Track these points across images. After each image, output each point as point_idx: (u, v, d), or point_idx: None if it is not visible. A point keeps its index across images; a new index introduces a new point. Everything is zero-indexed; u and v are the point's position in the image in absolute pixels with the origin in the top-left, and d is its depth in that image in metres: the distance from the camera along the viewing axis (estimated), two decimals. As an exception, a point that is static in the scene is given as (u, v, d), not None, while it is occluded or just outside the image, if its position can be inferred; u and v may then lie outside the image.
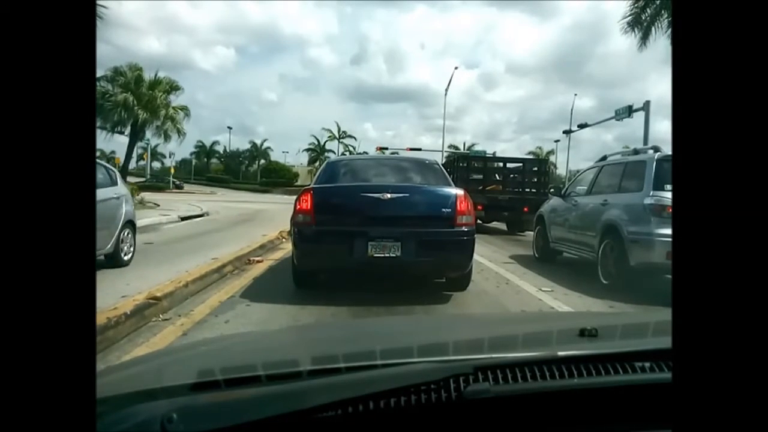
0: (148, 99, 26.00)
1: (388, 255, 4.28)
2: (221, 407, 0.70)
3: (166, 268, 5.23)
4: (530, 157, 35.57)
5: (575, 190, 7.23)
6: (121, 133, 27.03)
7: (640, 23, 17.11)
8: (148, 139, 32.14)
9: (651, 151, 5.76)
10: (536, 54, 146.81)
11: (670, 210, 4.69)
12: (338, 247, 4.40)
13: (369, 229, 4.33)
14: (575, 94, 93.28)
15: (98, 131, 22.36)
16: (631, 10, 17.16)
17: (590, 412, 0.74)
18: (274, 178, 49.32)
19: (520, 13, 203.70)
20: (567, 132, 31.84)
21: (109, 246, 5.42)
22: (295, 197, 4.80)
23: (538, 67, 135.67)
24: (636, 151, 6.33)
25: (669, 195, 4.94)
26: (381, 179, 5.01)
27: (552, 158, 42.15)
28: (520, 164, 14.63)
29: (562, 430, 0.74)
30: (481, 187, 12.75)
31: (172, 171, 44.12)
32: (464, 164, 14.66)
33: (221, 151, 62.74)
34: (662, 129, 34.11)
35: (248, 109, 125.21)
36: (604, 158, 7.01)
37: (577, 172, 12.97)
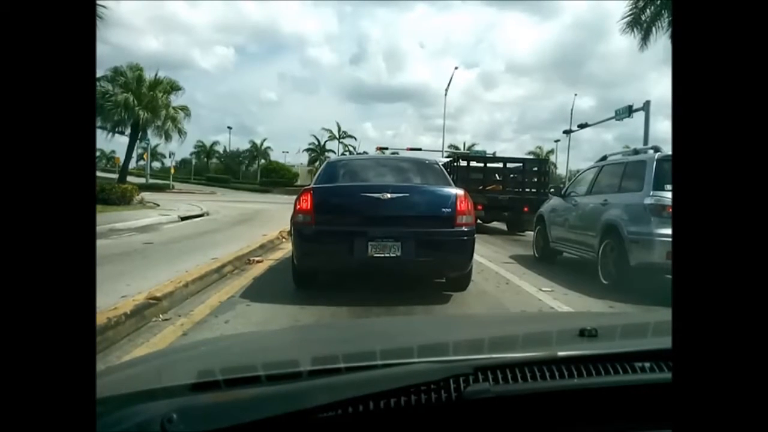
0: (149, 99, 26.03)
1: (388, 255, 4.28)
2: (221, 407, 0.70)
3: (166, 268, 5.22)
4: (530, 157, 35.57)
5: (575, 190, 7.23)
6: (122, 133, 27.07)
7: (640, 23, 17.12)
8: (148, 139, 32.15)
9: (651, 151, 5.76)
10: (536, 53, 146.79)
11: (670, 210, 4.69)
12: (338, 247, 4.40)
13: (369, 229, 4.33)
14: (575, 94, 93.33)
15: (98, 131, 22.36)
16: (631, 10, 17.17)
17: (590, 412, 0.74)
18: (274, 178, 49.18)
19: (520, 13, 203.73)
20: (567, 132, 31.86)
21: None
22: (295, 197, 4.80)
23: (538, 67, 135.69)
24: (636, 151, 6.33)
25: (669, 195, 4.93)
26: (381, 179, 5.00)
27: (552, 158, 42.18)
28: (520, 164, 14.62)
29: (562, 430, 0.74)
30: (481, 187, 12.74)
31: (173, 171, 44.09)
32: (464, 164, 14.65)
33: (221, 151, 62.82)
34: (662, 129, 34.11)
35: (248, 109, 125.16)
36: (604, 158, 7.01)
37: (577, 172, 12.97)
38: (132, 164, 38.74)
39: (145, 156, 42.64)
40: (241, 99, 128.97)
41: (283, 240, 8.46)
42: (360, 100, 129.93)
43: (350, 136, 57.68)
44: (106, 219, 10.00)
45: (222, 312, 4.01)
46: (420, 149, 34.07)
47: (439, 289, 4.83)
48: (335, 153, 51.73)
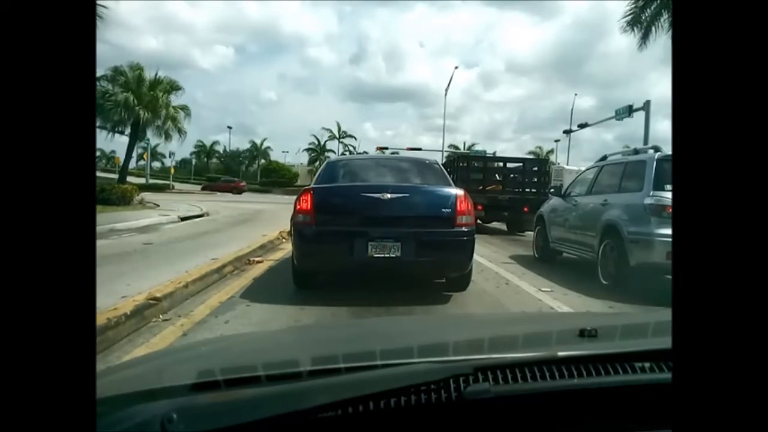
0: (149, 99, 26.05)
1: (388, 255, 4.28)
2: (221, 407, 0.70)
3: (166, 268, 5.22)
4: (530, 157, 35.56)
5: (575, 190, 7.23)
6: (122, 133, 27.11)
7: (639, 23, 17.13)
8: (148, 139, 32.19)
9: (651, 151, 5.76)
10: (536, 53, 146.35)
11: (670, 210, 4.69)
12: (338, 248, 4.40)
13: (369, 229, 4.33)
14: (575, 94, 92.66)
15: (98, 131, 22.37)
16: (631, 9, 17.18)
17: (590, 412, 0.74)
18: (274, 178, 49.20)
19: (520, 13, 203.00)
20: (567, 132, 31.89)
21: None
22: (295, 197, 4.81)
23: (538, 67, 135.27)
24: (636, 151, 6.33)
25: (669, 195, 4.93)
26: (381, 179, 5.00)
27: (552, 158, 42.15)
28: (520, 164, 14.62)
29: (562, 430, 0.74)
30: (481, 187, 12.74)
31: (173, 171, 44.13)
32: (464, 164, 14.65)
33: (221, 151, 62.85)
34: (662, 129, 34.09)
35: (248, 108, 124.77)
36: (604, 158, 7.01)
37: (577, 172, 12.95)
38: (132, 164, 38.81)
39: (145, 156, 42.68)
40: (241, 99, 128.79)
41: (283, 240, 8.46)
42: (360, 100, 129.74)
43: (350, 136, 57.85)
44: (106, 219, 10.00)
45: (222, 312, 4.01)
46: (420, 149, 34.15)
47: (439, 289, 4.83)
48: (335, 153, 51.80)
